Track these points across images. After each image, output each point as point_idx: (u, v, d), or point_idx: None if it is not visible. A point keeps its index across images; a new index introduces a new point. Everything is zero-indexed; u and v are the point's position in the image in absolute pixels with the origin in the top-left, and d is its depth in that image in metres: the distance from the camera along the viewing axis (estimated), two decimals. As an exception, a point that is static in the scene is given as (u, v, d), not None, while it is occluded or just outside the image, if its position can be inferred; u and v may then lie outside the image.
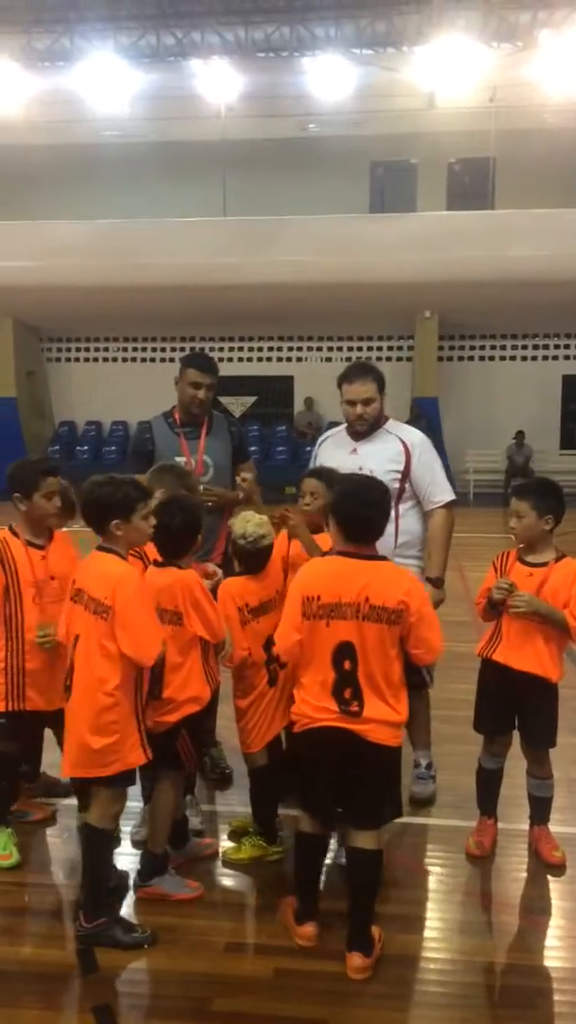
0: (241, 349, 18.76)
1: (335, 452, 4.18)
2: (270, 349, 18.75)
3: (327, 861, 3.49)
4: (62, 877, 3.71)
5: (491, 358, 18.28)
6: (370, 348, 18.33)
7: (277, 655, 3.30)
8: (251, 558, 3.65)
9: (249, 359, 18.77)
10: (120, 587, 3.06)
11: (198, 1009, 2.91)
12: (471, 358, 18.30)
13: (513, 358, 18.21)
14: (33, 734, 3.88)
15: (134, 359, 19.01)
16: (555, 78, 16.66)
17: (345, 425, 4.25)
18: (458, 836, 3.92)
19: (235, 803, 4.21)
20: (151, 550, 3.46)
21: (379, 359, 18.27)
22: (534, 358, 18.18)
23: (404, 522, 4.09)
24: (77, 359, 19.21)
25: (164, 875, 3.49)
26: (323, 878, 3.46)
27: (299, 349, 18.63)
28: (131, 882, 3.53)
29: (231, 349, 18.72)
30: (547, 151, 16.47)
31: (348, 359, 17.33)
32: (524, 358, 18.20)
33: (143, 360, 18.93)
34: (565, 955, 3.26)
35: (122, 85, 17.98)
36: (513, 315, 17.00)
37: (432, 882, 3.72)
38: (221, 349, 18.71)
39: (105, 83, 17.86)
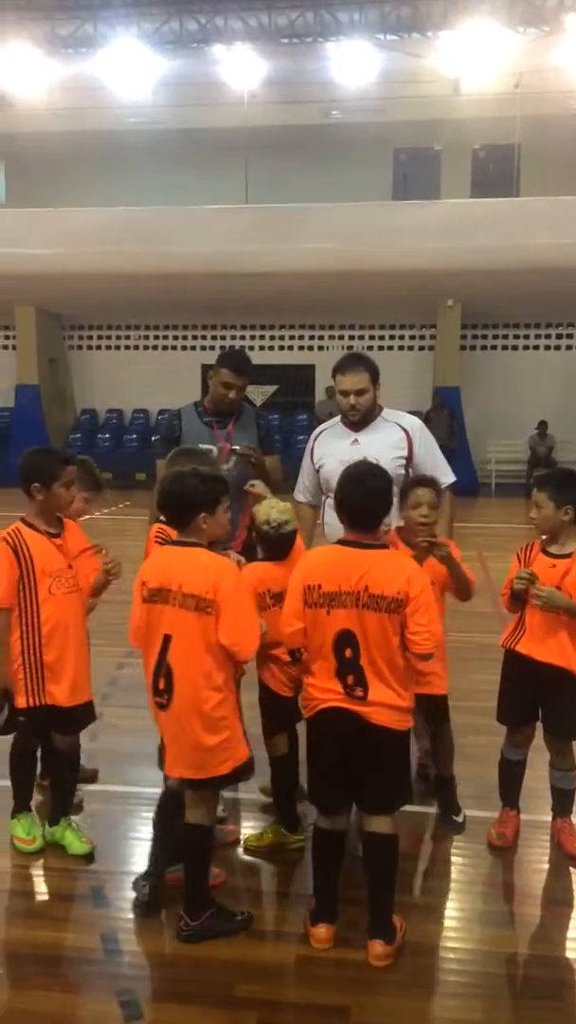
0: (263, 338, 18.73)
1: (335, 444, 4.17)
2: (291, 338, 18.71)
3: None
4: (84, 862, 3.72)
5: (514, 347, 18.15)
6: (392, 337, 18.25)
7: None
8: (275, 544, 3.67)
9: (271, 348, 18.74)
10: (221, 580, 3.03)
11: (220, 995, 2.92)
12: (494, 347, 18.18)
13: (536, 347, 18.06)
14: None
15: (155, 347, 19.03)
16: (581, 63, 16.48)
17: (340, 417, 4.25)
18: (480, 827, 3.91)
19: (257, 791, 4.21)
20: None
21: (401, 348, 18.20)
22: (557, 347, 18.03)
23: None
24: (99, 347, 19.25)
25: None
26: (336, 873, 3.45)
27: (320, 338, 18.57)
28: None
29: (252, 338, 18.69)
30: (573, 137, 16.30)
31: (370, 348, 17.28)
32: (548, 347, 18.05)
33: (164, 348, 18.95)
34: (588, 947, 3.26)
35: (145, 71, 17.95)
36: (537, 304, 16.86)
37: (454, 872, 3.72)
38: (243, 338, 18.70)
39: (128, 69, 17.84)
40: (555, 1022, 2.82)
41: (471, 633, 5.40)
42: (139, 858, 3.78)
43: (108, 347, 19.20)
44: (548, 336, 18.04)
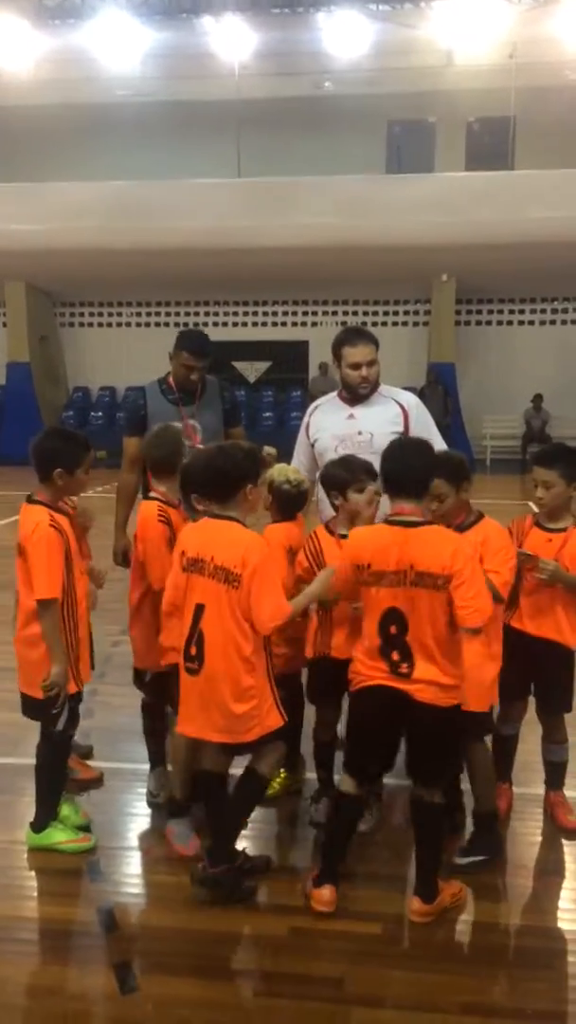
0: (255, 314, 18.63)
1: (330, 418, 4.17)
2: (284, 314, 18.61)
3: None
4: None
5: (509, 322, 18.08)
6: (386, 312, 18.16)
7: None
8: (292, 502, 3.80)
9: (264, 324, 18.65)
10: (250, 556, 3.09)
11: (215, 967, 2.94)
12: (489, 322, 18.11)
13: (532, 322, 18.00)
14: None
15: (148, 324, 18.92)
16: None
17: (336, 392, 4.26)
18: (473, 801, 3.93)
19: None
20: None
21: (395, 324, 18.12)
22: (552, 322, 17.97)
23: None
24: (91, 324, 19.13)
25: (180, 819, 3.61)
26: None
27: (314, 314, 18.48)
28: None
29: (245, 314, 18.59)
30: (569, 109, 16.17)
31: (364, 324, 17.18)
32: (543, 322, 17.99)
33: (157, 325, 18.84)
34: (580, 917, 3.29)
35: (134, 43, 17.71)
36: (532, 278, 16.78)
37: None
38: (235, 314, 18.60)
39: (117, 41, 17.60)
40: (546, 991, 2.84)
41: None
42: (133, 833, 3.81)
43: (100, 324, 19.08)
44: (543, 311, 17.97)
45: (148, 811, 3.93)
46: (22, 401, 17.31)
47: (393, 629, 3.03)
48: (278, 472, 3.83)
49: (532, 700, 3.83)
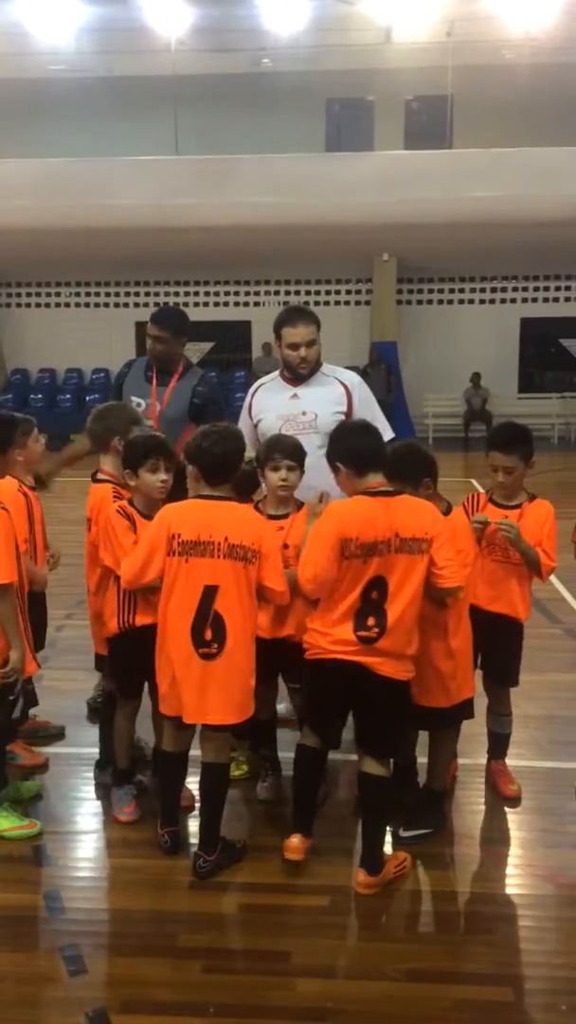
0: (197, 294, 18.47)
1: (274, 398, 4.17)
2: (227, 294, 18.49)
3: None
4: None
5: (450, 301, 18.21)
6: (328, 292, 18.15)
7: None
8: (250, 482, 3.74)
9: (205, 304, 18.49)
10: (265, 532, 3.27)
11: (164, 946, 2.95)
12: (430, 301, 18.21)
13: (472, 301, 18.15)
14: None
15: (87, 304, 18.64)
16: (513, 12, 16.32)
17: (278, 372, 4.26)
18: (419, 771, 3.99)
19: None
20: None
21: (337, 303, 18.12)
22: (492, 301, 18.15)
23: None
24: (28, 304, 18.76)
25: (120, 787, 3.69)
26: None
27: (256, 294, 18.38)
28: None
29: (187, 294, 18.42)
30: (505, 88, 16.21)
31: (306, 303, 17.15)
32: (483, 301, 18.16)
33: (96, 306, 18.57)
34: (522, 882, 3.37)
35: (68, 17, 17.28)
36: (472, 258, 16.90)
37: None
38: (177, 294, 18.41)
39: (50, 15, 17.16)
40: (491, 955, 2.91)
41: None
42: (80, 817, 3.81)
43: (39, 304, 18.73)
44: (483, 290, 18.13)
45: (94, 796, 3.91)
46: (-40, 383, 16.95)
47: (375, 595, 3.09)
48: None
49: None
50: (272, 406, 4.14)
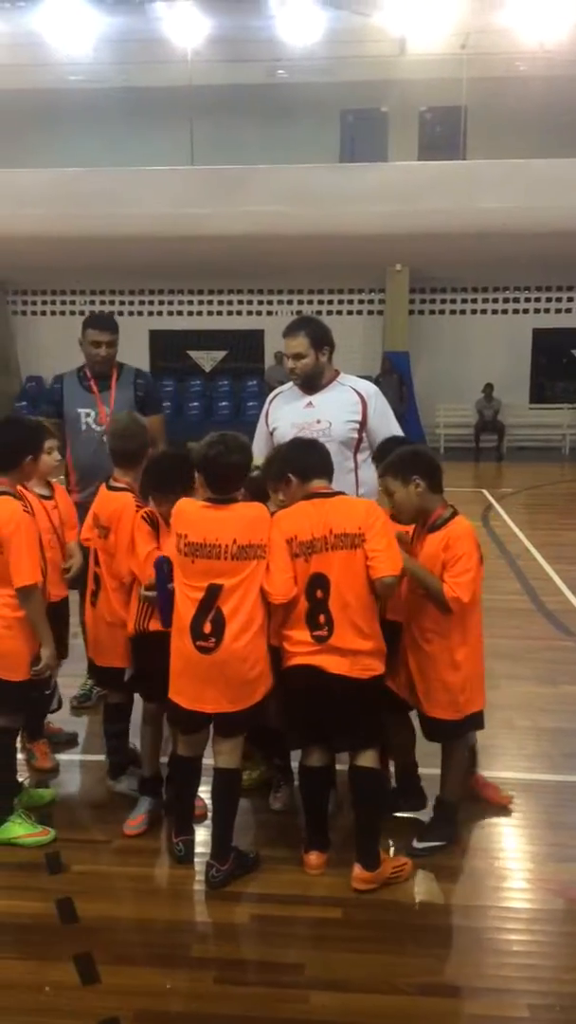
0: (211, 303, 18.53)
1: (289, 407, 4.20)
2: (240, 303, 18.53)
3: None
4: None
5: (462, 311, 18.21)
6: (340, 302, 18.18)
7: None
8: (261, 487, 3.74)
9: (219, 312, 18.55)
10: (267, 530, 3.29)
11: (177, 956, 2.95)
12: (442, 311, 18.22)
13: (484, 311, 18.14)
14: None
15: (100, 312, 18.70)
16: (528, 24, 16.39)
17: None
18: (431, 784, 3.98)
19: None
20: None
21: (350, 313, 18.15)
22: (505, 311, 18.13)
23: (363, 472, 4.14)
24: (43, 312, 18.86)
25: (145, 798, 3.73)
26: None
27: (269, 303, 18.43)
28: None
29: (200, 303, 18.49)
30: (519, 100, 16.26)
31: (319, 312, 17.20)
32: (495, 311, 18.14)
33: (111, 314, 18.61)
34: (534, 897, 3.34)
35: (86, 28, 17.44)
36: (485, 268, 16.90)
37: (402, 827, 3.75)
38: (191, 303, 18.48)
39: (69, 26, 17.32)
40: (503, 970, 2.90)
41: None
42: (92, 825, 3.80)
43: (53, 312, 18.82)
44: (496, 300, 18.12)
45: (106, 803, 3.93)
46: (-27, 390, 17.05)
47: (319, 593, 3.20)
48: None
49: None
50: (287, 414, 4.17)
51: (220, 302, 18.52)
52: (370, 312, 18.10)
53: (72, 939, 3.03)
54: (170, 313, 18.55)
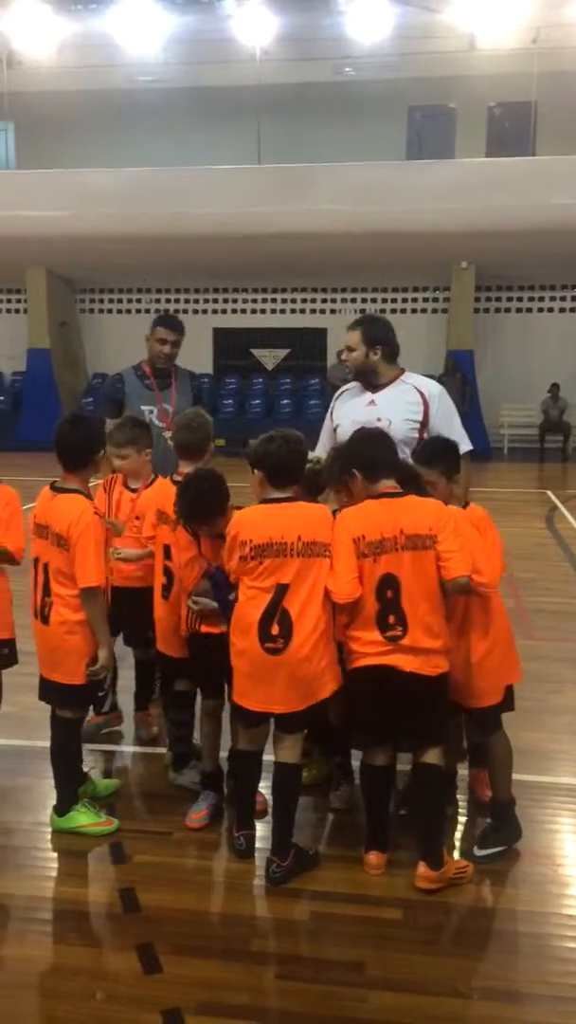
0: (274, 301, 18.59)
1: (351, 404, 4.23)
2: (303, 301, 18.55)
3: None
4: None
5: (528, 310, 17.95)
6: (405, 300, 18.07)
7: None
8: (316, 481, 3.80)
9: (282, 311, 18.60)
10: (331, 525, 3.31)
11: (237, 950, 2.98)
12: (508, 310, 17.98)
13: (551, 310, 17.86)
14: None
15: (166, 310, 18.88)
16: (601, 17, 16.08)
17: None
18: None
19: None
20: None
21: (414, 311, 18.03)
22: (572, 310, 17.82)
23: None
24: (110, 310, 19.15)
25: (207, 792, 3.76)
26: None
27: (333, 301, 18.41)
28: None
29: (264, 301, 18.56)
30: (591, 94, 15.95)
31: (382, 311, 17.10)
32: (563, 310, 17.85)
33: (175, 311, 18.75)
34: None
35: (155, 28, 17.63)
36: (553, 265, 16.64)
37: (467, 833, 3.75)
38: (254, 301, 18.56)
39: (138, 26, 17.53)
40: (564, 977, 2.86)
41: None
42: (156, 816, 3.85)
43: (120, 311, 19.09)
44: (563, 298, 17.83)
45: (171, 794, 3.97)
46: (42, 387, 17.38)
47: (389, 594, 3.19)
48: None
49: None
50: (349, 412, 4.18)
51: (284, 300, 18.57)
52: (434, 311, 17.96)
53: (135, 928, 3.08)
54: (234, 311, 18.65)
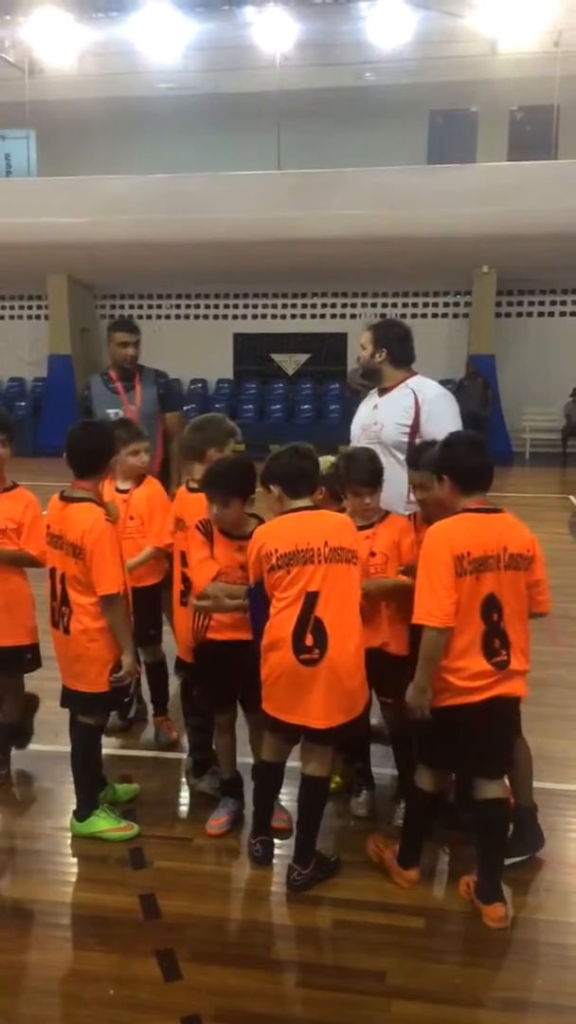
0: (294, 306, 18.60)
1: (362, 407, 4.29)
2: (324, 306, 18.55)
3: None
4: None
5: (550, 314, 17.85)
6: (426, 304, 18.02)
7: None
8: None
9: (302, 316, 18.60)
10: (354, 531, 3.36)
11: (257, 957, 2.96)
12: (530, 314, 17.89)
13: (573, 314, 17.74)
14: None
15: (187, 316, 18.96)
16: (624, 20, 15.98)
17: None
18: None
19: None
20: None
21: (435, 316, 17.98)
22: (594, 314, 17.71)
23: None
24: (130, 316, 19.20)
25: (227, 798, 3.75)
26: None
27: (353, 306, 18.38)
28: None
29: (284, 306, 18.57)
30: (614, 97, 15.86)
31: (403, 316, 17.07)
32: (585, 314, 17.74)
33: (197, 318, 18.86)
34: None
35: (176, 36, 17.71)
36: (574, 269, 16.54)
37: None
38: (274, 306, 18.58)
39: (158, 34, 17.62)
40: (590, 989, 2.83)
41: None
42: (176, 822, 3.84)
43: (141, 316, 19.13)
44: (585, 303, 17.72)
45: (191, 800, 3.96)
46: (63, 393, 17.41)
47: (494, 616, 3.05)
48: (322, 463, 3.80)
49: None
50: (359, 415, 4.24)
51: (304, 305, 18.57)
52: (455, 315, 17.89)
53: (155, 934, 3.07)
54: (254, 316, 18.67)
